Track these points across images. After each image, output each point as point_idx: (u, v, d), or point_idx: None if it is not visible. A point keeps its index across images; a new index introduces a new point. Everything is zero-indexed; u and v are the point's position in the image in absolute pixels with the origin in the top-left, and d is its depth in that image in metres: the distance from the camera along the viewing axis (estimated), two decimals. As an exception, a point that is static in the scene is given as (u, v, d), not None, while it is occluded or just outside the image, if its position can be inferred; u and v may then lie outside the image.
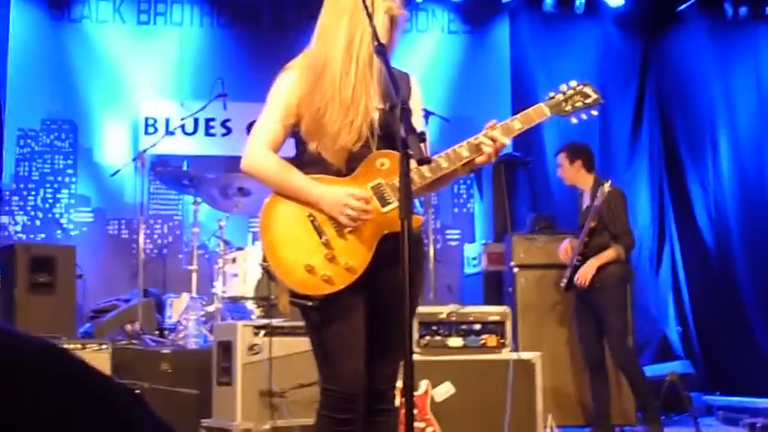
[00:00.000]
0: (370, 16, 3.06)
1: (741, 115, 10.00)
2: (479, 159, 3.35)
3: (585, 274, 6.76)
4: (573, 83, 3.56)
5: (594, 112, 3.58)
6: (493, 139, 3.32)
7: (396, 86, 2.96)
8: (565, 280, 6.98)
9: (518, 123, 3.41)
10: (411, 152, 2.80)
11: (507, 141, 3.36)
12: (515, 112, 9.55)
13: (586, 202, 7.05)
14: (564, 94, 3.53)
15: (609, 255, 6.79)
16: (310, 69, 3.33)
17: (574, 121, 3.56)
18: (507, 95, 10.17)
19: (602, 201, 6.77)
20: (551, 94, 3.53)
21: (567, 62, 10.11)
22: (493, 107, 9.90)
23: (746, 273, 9.70)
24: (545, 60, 10.22)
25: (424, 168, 3.26)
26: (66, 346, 6.12)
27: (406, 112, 2.87)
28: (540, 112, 3.48)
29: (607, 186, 6.75)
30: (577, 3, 10.02)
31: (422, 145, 2.81)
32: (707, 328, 9.85)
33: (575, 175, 7.12)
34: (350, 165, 3.30)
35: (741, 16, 9.86)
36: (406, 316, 2.74)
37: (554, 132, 9.73)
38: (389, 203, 3.26)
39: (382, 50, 3.06)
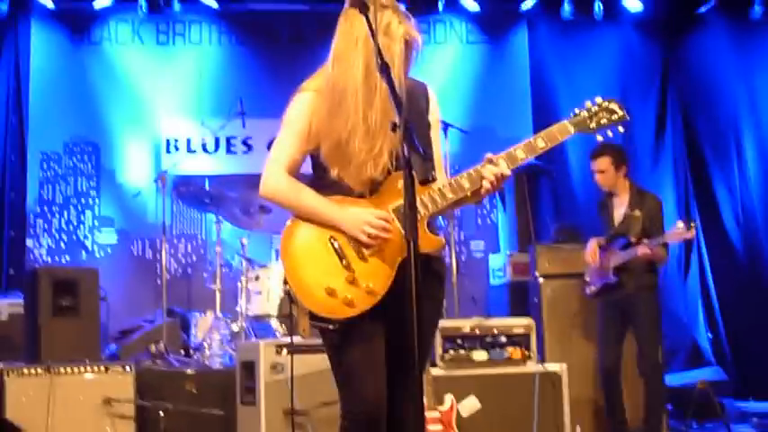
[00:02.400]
0: (373, 34, 3.03)
1: (766, 117, 9.89)
2: (482, 191, 3.28)
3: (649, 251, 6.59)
4: (598, 99, 3.46)
5: (621, 129, 3.46)
6: (494, 173, 3.25)
7: (399, 106, 2.92)
8: (593, 287, 6.88)
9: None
10: (414, 172, 2.77)
11: (509, 172, 3.28)
12: (536, 120, 9.47)
13: (620, 208, 6.93)
14: (589, 110, 3.44)
15: (661, 253, 6.73)
16: (329, 94, 3.28)
17: (599, 138, 3.47)
18: (527, 105, 10.11)
19: (650, 212, 6.77)
20: (576, 111, 3.44)
21: (587, 69, 10.05)
22: (513, 117, 9.86)
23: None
24: (565, 68, 10.16)
25: (446, 188, 3.24)
26: (89, 368, 6.15)
27: (410, 132, 2.83)
28: (563, 130, 3.40)
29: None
30: (596, 9, 9.93)
31: (425, 165, 2.77)
32: (738, 334, 9.73)
33: (617, 181, 6.94)
34: (371, 187, 3.27)
35: (762, 17, 9.74)
36: (413, 337, 2.70)
37: (576, 139, 9.63)
38: None
39: (386, 69, 3.02)
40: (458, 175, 3.29)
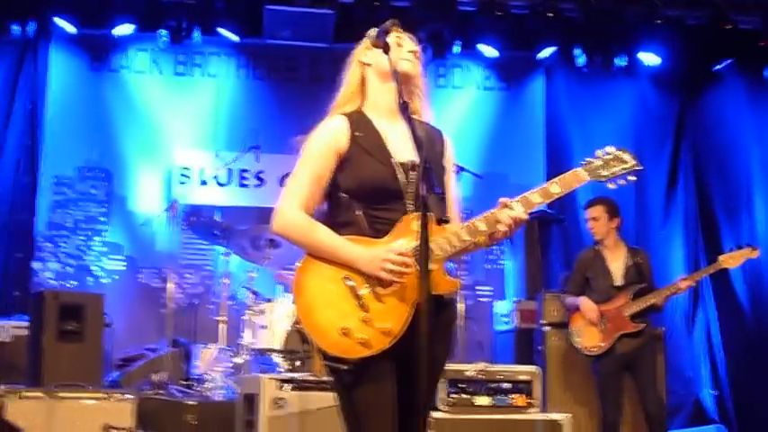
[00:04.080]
0: (396, 73, 3.08)
1: (778, 177, 9.90)
2: (499, 235, 3.30)
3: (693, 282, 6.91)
4: (610, 148, 3.49)
5: (632, 178, 3.48)
6: (511, 217, 3.25)
7: (419, 145, 2.94)
8: (602, 344, 6.81)
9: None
10: (430, 212, 2.77)
11: (525, 216, 3.29)
12: (549, 168, 9.54)
13: (616, 261, 6.96)
14: (601, 159, 3.47)
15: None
16: None
17: (611, 186, 3.49)
18: (541, 152, 10.14)
19: (647, 263, 6.98)
20: (588, 159, 3.47)
21: (602, 120, 10.08)
22: (526, 164, 9.88)
23: (783, 335, 9.54)
24: (580, 118, 10.19)
25: (463, 231, 3.23)
26: (90, 394, 6.12)
27: (428, 172, 2.84)
28: (578, 178, 3.42)
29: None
30: (613, 61, 9.96)
31: (441, 205, 2.78)
32: (742, 392, 9.66)
33: (609, 232, 7.03)
34: (384, 227, 3.25)
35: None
36: (422, 378, 2.68)
37: (588, 189, 9.64)
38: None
39: (405, 108, 3.05)
40: (474, 218, 3.30)
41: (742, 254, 6.87)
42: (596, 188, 8.59)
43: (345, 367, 3.16)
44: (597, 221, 7.04)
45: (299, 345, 6.79)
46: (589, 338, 6.88)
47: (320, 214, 3.38)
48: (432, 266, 3.08)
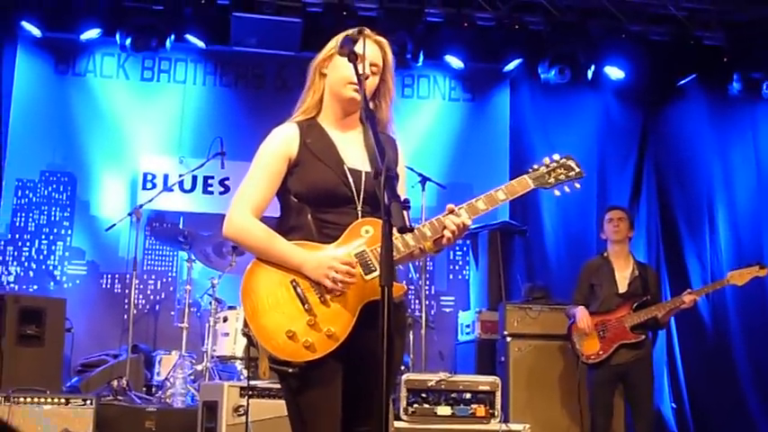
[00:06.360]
0: (360, 82, 3.13)
1: (739, 191, 10.02)
2: (444, 241, 3.34)
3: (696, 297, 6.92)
4: (556, 156, 3.59)
5: (577, 185, 3.59)
6: (456, 224, 3.31)
7: (381, 152, 2.97)
8: (601, 353, 6.85)
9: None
10: (393, 220, 2.80)
11: (470, 222, 3.35)
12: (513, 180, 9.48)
13: (623, 271, 7.02)
14: (547, 166, 3.56)
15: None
16: None
17: (557, 193, 3.58)
18: (506, 164, 10.19)
19: (653, 278, 7.12)
20: (535, 166, 3.56)
21: (566, 133, 10.16)
22: (491, 175, 9.90)
23: (743, 350, 9.63)
24: (544, 130, 10.26)
25: (408, 237, 3.27)
26: (50, 399, 6.07)
27: (391, 180, 2.87)
28: (523, 184, 3.50)
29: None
30: (578, 74, 10.02)
31: (404, 213, 2.81)
32: (702, 405, 9.74)
33: (625, 240, 7.15)
34: (334, 232, 3.29)
35: (740, 93, 9.90)
36: (382, 385, 2.69)
37: (551, 201, 9.74)
38: (373, 271, 3.23)
39: (369, 116, 3.08)
40: (420, 224, 3.33)
41: (750, 271, 6.86)
42: (561, 200, 8.70)
43: (291, 370, 3.19)
44: (623, 222, 7.12)
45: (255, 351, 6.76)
46: (589, 347, 6.92)
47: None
48: (378, 270, 3.14)
